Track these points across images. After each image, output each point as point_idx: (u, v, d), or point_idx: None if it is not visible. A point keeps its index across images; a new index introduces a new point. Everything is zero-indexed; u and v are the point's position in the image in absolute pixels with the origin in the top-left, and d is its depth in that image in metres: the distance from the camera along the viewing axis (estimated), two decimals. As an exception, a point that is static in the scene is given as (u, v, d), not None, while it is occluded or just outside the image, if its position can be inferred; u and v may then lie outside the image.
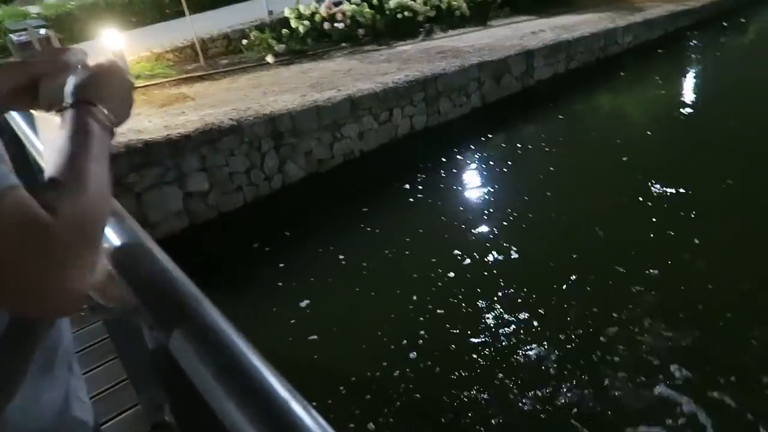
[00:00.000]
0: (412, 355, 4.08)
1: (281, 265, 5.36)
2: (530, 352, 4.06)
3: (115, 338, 2.29)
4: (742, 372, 3.70)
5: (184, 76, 8.69)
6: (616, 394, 3.63)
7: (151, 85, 8.18)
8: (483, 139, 8.25)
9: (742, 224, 5.56)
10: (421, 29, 11.55)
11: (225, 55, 10.26)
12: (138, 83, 8.17)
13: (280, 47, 9.81)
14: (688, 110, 9.23)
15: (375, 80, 7.75)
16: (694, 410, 3.43)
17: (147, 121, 6.17)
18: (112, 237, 0.91)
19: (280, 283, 5.09)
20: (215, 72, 8.94)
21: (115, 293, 0.89)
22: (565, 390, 3.68)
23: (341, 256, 5.40)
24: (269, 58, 9.42)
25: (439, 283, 4.89)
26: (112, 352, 2.44)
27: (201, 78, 8.63)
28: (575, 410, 3.50)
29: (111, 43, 7.73)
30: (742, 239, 5.29)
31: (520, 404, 3.60)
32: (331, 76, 8.23)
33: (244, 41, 10.29)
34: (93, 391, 2.24)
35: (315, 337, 4.35)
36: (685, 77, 11.47)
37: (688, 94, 10.22)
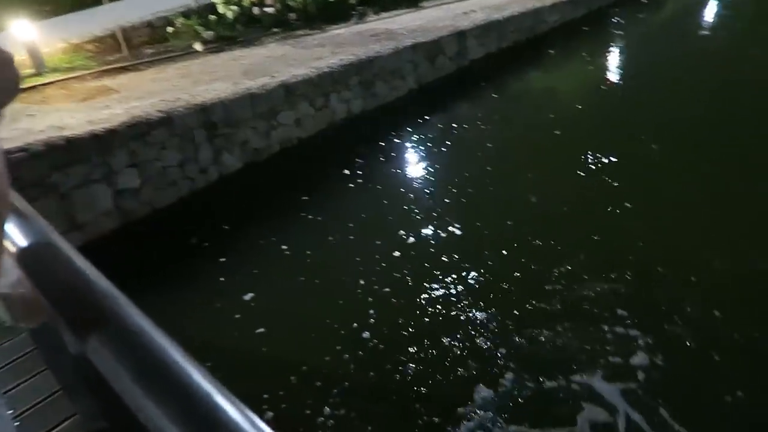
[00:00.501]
0: (365, 335, 4.12)
1: (222, 259, 5.24)
2: (476, 316, 4.20)
3: (42, 348, 2.17)
4: (670, 314, 3.98)
5: (107, 67, 8.24)
6: (559, 342, 3.84)
7: (71, 78, 7.71)
8: (420, 120, 8.31)
9: (666, 187, 5.94)
10: (354, 12, 11.45)
11: (150, 45, 9.81)
12: (56, 77, 7.68)
13: (208, 34, 9.47)
14: (614, 84, 9.67)
15: (309, 65, 7.63)
16: (629, 352, 3.66)
17: (69, 117, 5.82)
18: (19, 239, 0.85)
19: (222, 278, 4.97)
20: (140, 62, 8.52)
21: (38, 311, 0.84)
22: (511, 345, 3.83)
23: (284, 247, 5.34)
24: (197, 46, 9.08)
25: (385, 264, 4.93)
26: (43, 363, 2.31)
27: (125, 69, 8.21)
28: (521, 363, 3.64)
29: (22, 34, 7.21)
30: (667, 200, 5.67)
31: (469, 366, 3.70)
32: (263, 63, 8.03)
33: (170, 29, 9.87)
34: (28, 403, 2.12)
35: (262, 329, 4.30)
36: (610, 53, 11.95)
37: (613, 69, 10.68)
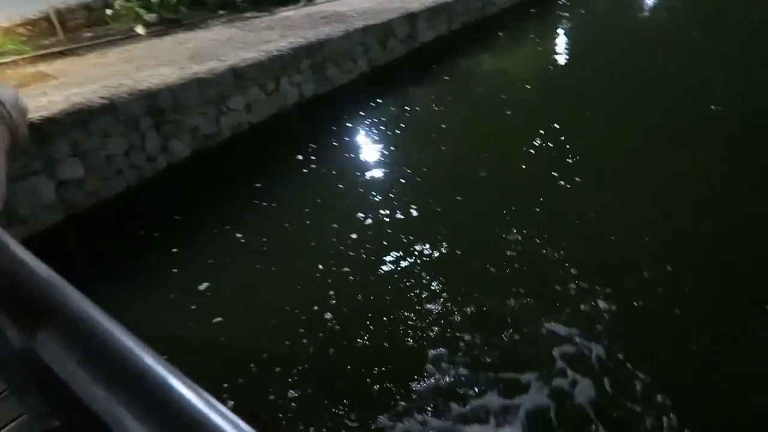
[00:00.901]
0: (324, 317, 4.14)
1: (174, 250, 5.12)
2: (435, 289, 4.31)
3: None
4: (621, 271, 4.19)
5: (42, 52, 7.82)
6: (518, 302, 4.00)
7: (3, 64, 7.28)
8: (373, 104, 8.30)
9: (611, 160, 6.25)
10: (303, -6, 11.24)
11: (88, 28, 9.35)
12: (-15, 62, 7.24)
13: (150, 17, 9.10)
14: (561, 65, 9.91)
15: (258, 49, 7.47)
16: (587, 302, 3.84)
17: (1, 105, 5.50)
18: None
19: (174, 270, 4.86)
20: (78, 46, 8.12)
21: None
22: (470, 310, 3.95)
23: (239, 235, 5.27)
24: (139, 29, 8.72)
25: (343, 247, 4.94)
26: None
27: (62, 54, 7.81)
28: (482, 324, 3.76)
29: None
30: (611, 171, 5.98)
31: (430, 335, 3.78)
32: (210, 47, 7.80)
33: (109, 11, 9.42)
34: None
35: (220, 318, 4.25)
36: (557, 35, 12.22)
37: (560, 50, 10.93)
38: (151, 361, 0.63)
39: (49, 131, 5.03)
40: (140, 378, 0.59)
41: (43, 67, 7.18)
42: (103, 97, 5.55)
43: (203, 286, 4.61)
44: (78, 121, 5.25)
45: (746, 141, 6.33)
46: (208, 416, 0.54)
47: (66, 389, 0.67)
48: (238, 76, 6.78)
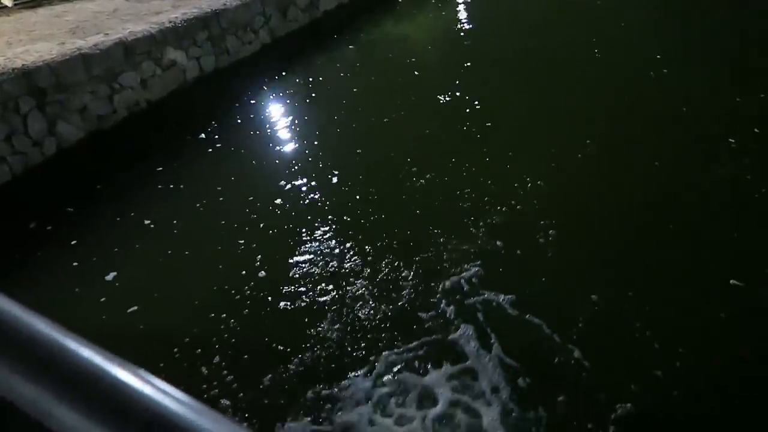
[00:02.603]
0: (245, 293, 4.06)
1: (73, 242, 4.76)
2: (349, 251, 4.34)
3: None
4: (535, 223, 4.44)
5: None
6: (439, 249, 4.11)
7: None
8: (278, 76, 8.09)
9: (517, 118, 6.53)
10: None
11: (-57, 1, 8.25)
12: None
13: (19, -13, 8.20)
14: (463, 28, 10.11)
15: (148, 20, 6.97)
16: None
17: None
18: None
19: (75, 263, 4.52)
20: (-66, 22, 7.18)
21: None
22: (380, 271, 4.03)
23: (147, 221, 4.99)
24: (6, 1, 7.83)
25: (257, 223, 4.84)
26: None
27: None
28: (388, 285, 3.86)
29: None
30: (520, 129, 6.26)
31: (346, 303, 3.83)
32: (93, 19, 7.19)
33: (-33, -19, 8.36)
34: None
35: (135, 308, 4.04)
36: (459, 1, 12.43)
37: (462, 15, 11.13)
38: (41, 323, 0.60)
39: None
40: (31, 339, 0.56)
41: None
42: (-30, 78, 4.97)
43: (110, 276, 4.36)
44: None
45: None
46: (108, 370, 0.52)
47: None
48: (128, 50, 6.31)
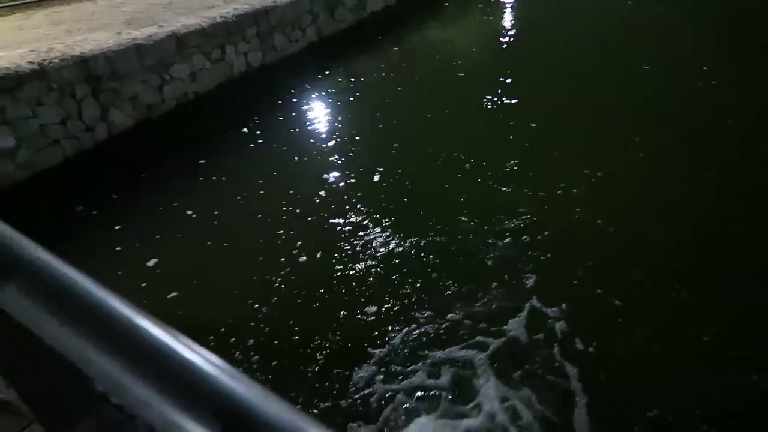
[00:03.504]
0: (283, 285, 4.11)
1: (117, 227, 4.89)
2: (386, 254, 4.35)
3: None
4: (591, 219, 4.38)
5: (-41, 13, 7.21)
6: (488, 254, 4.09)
7: None
8: (322, 74, 8.17)
9: (557, 120, 6.48)
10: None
11: (11, -12, 8.65)
12: None
13: (81, -22, 8.52)
14: (510, 34, 10.00)
15: (200, 14, 7.16)
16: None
17: None
18: None
19: (118, 248, 4.63)
20: (0, 6, 7.53)
21: None
22: (418, 276, 4.03)
23: (189, 211, 5.08)
24: (69, -9, 8.16)
25: (294, 217, 4.88)
26: None
27: (-17, 16, 7.23)
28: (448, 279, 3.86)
29: None
30: (560, 130, 6.22)
31: (384, 300, 3.84)
32: (148, 11, 7.42)
33: (34, -29, 8.74)
34: None
35: (175, 293, 4.13)
36: (505, 5, 12.31)
37: (509, 20, 11.03)
38: (116, 301, 0.62)
39: (-27, 98, 4.69)
40: (110, 319, 0.58)
41: (-38, 29, 6.64)
42: (31, 62, 5.20)
43: (152, 263, 4.45)
44: (4, 87, 4.90)
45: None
46: (177, 349, 0.54)
47: (35, 342, 0.64)
48: (180, 43, 6.49)
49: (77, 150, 5.61)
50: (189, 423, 0.46)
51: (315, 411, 3.21)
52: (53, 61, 5.30)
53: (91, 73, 5.58)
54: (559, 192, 4.99)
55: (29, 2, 7.78)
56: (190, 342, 0.57)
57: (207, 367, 0.49)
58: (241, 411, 0.44)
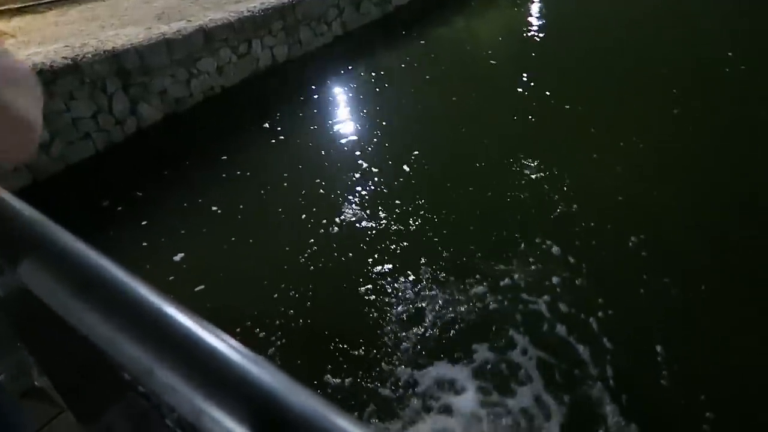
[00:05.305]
0: (308, 279, 4.16)
1: (143, 222, 4.96)
2: (411, 249, 4.36)
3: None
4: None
5: (-2, 9, 7.42)
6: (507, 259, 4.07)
7: (-45, 21, 6.90)
8: (347, 68, 8.17)
9: (586, 109, 6.53)
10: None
11: (46, -16, 8.87)
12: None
13: (113, -26, 8.68)
14: (539, 25, 9.85)
15: (227, 9, 7.23)
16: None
17: (-43, 65, 5.23)
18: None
19: (144, 243, 4.71)
20: (37, 3, 7.73)
21: None
22: (435, 267, 4.02)
23: (214, 207, 5.14)
24: (102, -13, 8.32)
25: (319, 214, 4.92)
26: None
27: (20, 11, 7.43)
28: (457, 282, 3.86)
29: None
30: (589, 118, 6.29)
31: (406, 297, 3.86)
32: (177, 6, 7.52)
33: (68, -33, 8.94)
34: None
35: (202, 287, 4.21)
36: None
37: (538, 13, 10.86)
38: (144, 288, 0.63)
39: (10, 92, 4.83)
40: (137, 304, 0.59)
41: (1, 25, 6.84)
42: (65, 57, 5.33)
43: (178, 257, 4.53)
44: (40, 81, 5.03)
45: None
46: (203, 337, 0.55)
47: (63, 327, 0.66)
48: (208, 37, 6.57)
49: (108, 143, 5.74)
50: (216, 410, 0.47)
51: (341, 401, 3.25)
52: (86, 56, 5.43)
53: (121, 68, 5.70)
54: (593, 182, 5.12)
55: (64, -2, 7.98)
56: (217, 330, 0.59)
57: (234, 356, 0.50)
58: (268, 398, 0.45)
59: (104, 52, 5.59)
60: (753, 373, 3.26)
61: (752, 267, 4.02)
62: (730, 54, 7.47)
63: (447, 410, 3.16)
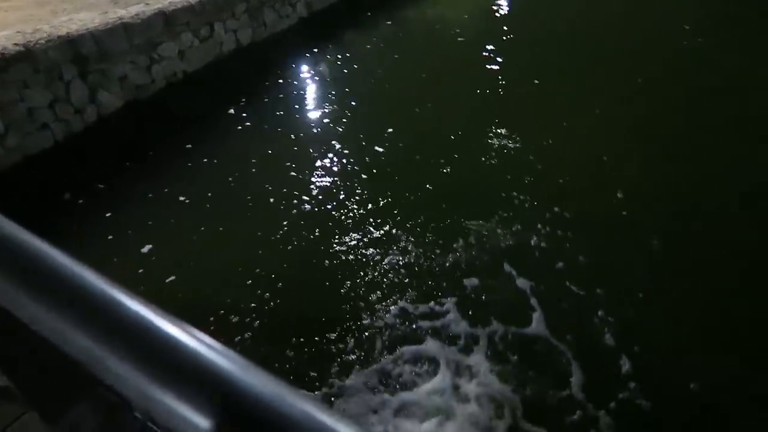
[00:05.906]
0: (277, 266, 4.12)
1: (107, 215, 4.80)
2: (378, 232, 4.34)
3: None
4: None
5: (-60, -5, 7.03)
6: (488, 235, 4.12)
7: None
8: (313, 51, 8.04)
9: (555, 81, 6.70)
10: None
11: (-8, -32, 8.43)
12: None
13: (64, -44, 8.30)
14: (505, 7, 9.86)
15: (188, -9, 7.00)
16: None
17: None
18: None
19: (110, 236, 4.56)
20: (-17, -11, 7.35)
21: None
22: (406, 260, 4.05)
23: (181, 197, 5.02)
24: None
25: (289, 199, 4.88)
26: None
27: (-35, -3, 7.05)
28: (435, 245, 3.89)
29: None
30: (558, 90, 6.46)
31: (377, 281, 3.87)
32: (135, -11, 7.24)
33: (16, -51, 8.51)
34: None
35: (173, 278, 4.12)
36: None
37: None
38: (90, 274, 0.61)
39: (-42, 82, 4.61)
40: (82, 290, 0.57)
41: (-56, 11, 6.48)
42: (17, 44, 5.10)
43: (146, 249, 4.42)
44: (-9, 70, 4.82)
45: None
46: (155, 323, 0.53)
47: (16, 324, 0.63)
48: (168, 20, 6.37)
49: (67, 133, 5.54)
50: (183, 406, 0.45)
51: (317, 391, 3.26)
52: (39, 42, 5.20)
53: (78, 54, 5.48)
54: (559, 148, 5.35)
55: (12, -18, 7.59)
56: (171, 317, 0.57)
57: (200, 348, 0.48)
58: (237, 391, 0.43)
59: (58, 37, 5.36)
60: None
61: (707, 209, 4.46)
62: (686, 27, 7.75)
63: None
